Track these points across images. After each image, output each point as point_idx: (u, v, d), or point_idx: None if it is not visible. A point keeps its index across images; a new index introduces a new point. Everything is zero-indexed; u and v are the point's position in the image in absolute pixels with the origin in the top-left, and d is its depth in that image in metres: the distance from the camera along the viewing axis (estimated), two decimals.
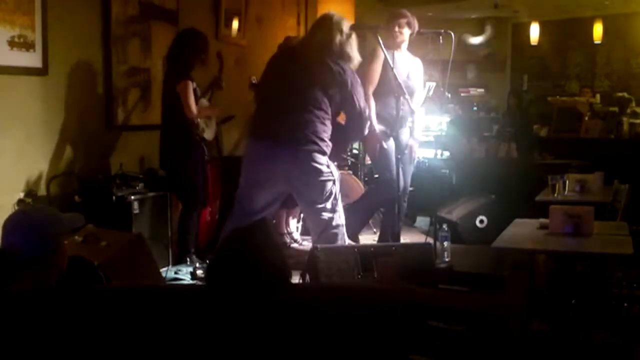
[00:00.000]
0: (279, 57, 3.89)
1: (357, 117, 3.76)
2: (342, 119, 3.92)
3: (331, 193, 3.67)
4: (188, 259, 4.75)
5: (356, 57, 3.76)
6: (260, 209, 3.77)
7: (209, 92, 5.01)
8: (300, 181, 3.70)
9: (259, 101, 3.91)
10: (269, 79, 3.85)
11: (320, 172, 3.63)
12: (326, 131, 3.65)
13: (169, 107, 4.67)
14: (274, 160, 3.64)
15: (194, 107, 4.57)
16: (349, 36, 3.74)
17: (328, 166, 3.66)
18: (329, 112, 3.67)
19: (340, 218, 3.72)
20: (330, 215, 3.67)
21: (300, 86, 3.67)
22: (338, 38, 3.70)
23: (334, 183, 3.67)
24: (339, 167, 6.01)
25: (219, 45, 5.92)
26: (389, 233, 4.84)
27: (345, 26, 3.76)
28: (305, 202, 3.88)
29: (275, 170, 3.67)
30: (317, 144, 3.61)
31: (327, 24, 3.78)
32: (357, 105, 3.73)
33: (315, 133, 3.61)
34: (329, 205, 3.67)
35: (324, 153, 3.64)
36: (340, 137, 3.82)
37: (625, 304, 3.44)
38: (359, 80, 3.77)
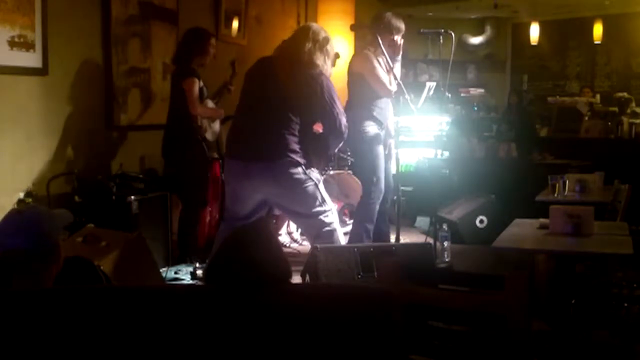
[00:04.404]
0: (253, 70, 3.85)
1: (333, 123, 3.69)
2: (319, 127, 3.90)
3: (316, 198, 3.63)
4: (188, 259, 4.75)
5: (323, 67, 3.68)
6: (246, 216, 3.77)
7: (217, 97, 5.04)
8: (282, 198, 3.69)
9: (235, 117, 3.90)
10: (243, 94, 3.83)
11: (299, 182, 3.59)
12: (297, 142, 3.60)
13: (175, 105, 4.70)
14: (250, 177, 3.62)
15: (197, 104, 4.59)
16: (322, 46, 3.68)
17: (305, 173, 3.61)
18: (299, 122, 3.61)
19: (332, 215, 3.71)
20: (320, 217, 3.65)
21: (269, 101, 3.63)
22: (308, 46, 3.64)
23: (316, 186, 3.64)
24: (339, 167, 6.05)
25: (219, 45, 5.92)
26: (379, 235, 4.84)
27: (321, 36, 3.70)
28: (294, 215, 3.88)
29: (252, 186, 3.66)
30: (288, 156, 3.56)
31: (303, 33, 3.74)
32: (332, 112, 3.66)
33: (287, 146, 3.56)
34: (316, 210, 3.64)
35: (297, 164, 3.58)
36: (321, 146, 3.79)
37: (625, 304, 3.44)
38: (332, 86, 3.70)
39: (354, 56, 4.86)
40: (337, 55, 5.24)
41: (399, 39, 4.63)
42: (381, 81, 4.54)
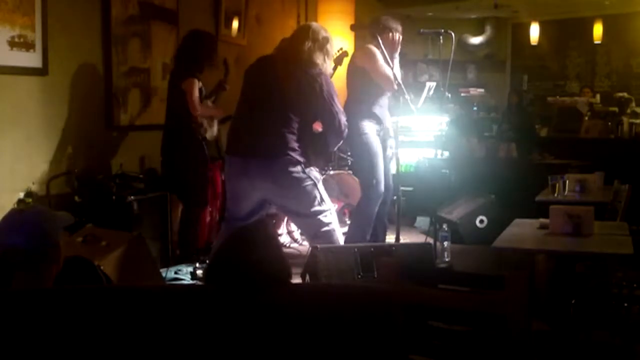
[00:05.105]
0: (252, 69, 3.84)
1: (333, 122, 3.67)
2: (318, 126, 3.90)
3: (315, 197, 3.62)
4: (188, 259, 4.75)
5: (323, 66, 3.68)
6: (247, 216, 3.77)
7: (214, 95, 5.05)
8: (281, 196, 3.68)
9: (234, 115, 3.90)
10: (242, 92, 3.82)
11: (298, 180, 3.58)
12: (297, 140, 3.59)
13: (174, 105, 4.69)
14: (249, 175, 3.62)
15: (198, 105, 4.59)
16: (322, 45, 3.68)
17: (304, 172, 3.60)
18: (298, 121, 3.61)
19: (330, 215, 3.71)
20: (319, 217, 3.64)
21: (268, 99, 3.63)
22: (307, 45, 3.64)
23: (315, 185, 3.63)
24: (339, 167, 6.05)
25: (219, 45, 5.92)
26: (376, 234, 4.82)
27: (321, 35, 3.69)
28: (292, 214, 3.88)
29: (251, 184, 3.65)
30: (288, 154, 3.56)
31: (303, 32, 3.74)
32: (331, 111, 3.65)
33: (286, 144, 3.56)
34: (315, 209, 3.63)
35: (296, 162, 3.57)
36: (320, 145, 3.78)
37: (625, 304, 3.44)
38: (332, 85, 3.69)
39: (356, 51, 4.82)
40: (345, 53, 5.23)
41: (397, 36, 4.62)
42: (385, 74, 4.48)
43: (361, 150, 4.62)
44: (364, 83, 4.59)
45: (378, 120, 4.63)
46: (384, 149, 4.72)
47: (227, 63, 5.13)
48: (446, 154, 6.72)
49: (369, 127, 4.58)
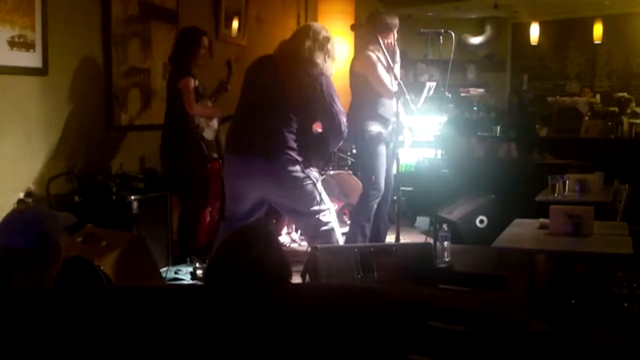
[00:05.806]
0: (253, 69, 3.84)
1: (332, 122, 3.67)
2: (318, 126, 3.90)
3: (314, 196, 3.62)
4: (188, 259, 4.75)
5: (323, 66, 3.67)
6: (246, 216, 3.77)
7: (215, 95, 5.05)
8: (280, 196, 3.68)
9: (234, 115, 3.90)
10: (242, 92, 3.82)
11: (297, 180, 3.58)
12: (296, 140, 3.59)
13: (171, 106, 4.71)
14: (248, 175, 3.62)
15: (194, 104, 4.60)
16: (322, 45, 3.68)
17: (303, 171, 3.59)
18: (299, 121, 3.60)
19: (329, 214, 3.70)
20: (318, 216, 3.64)
21: (268, 99, 3.62)
22: (308, 44, 3.64)
23: (314, 185, 3.63)
24: (340, 167, 6.05)
25: (219, 45, 5.93)
26: (377, 233, 4.83)
27: (322, 35, 3.69)
28: (291, 213, 3.87)
29: (251, 184, 3.65)
30: (287, 154, 3.55)
31: (303, 32, 3.74)
32: (331, 111, 3.64)
33: (285, 144, 3.56)
34: (314, 208, 3.63)
35: (295, 162, 3.57)
36: (320, 145, 3.78)
37: (625, 304, 3.44)
38: (333, 85, 3.68)
39: (355, 57, 4.85)
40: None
41: (393, 36, 4.62)
42: (383, 82, 4.55)
43: (364, 150, 4.70)
44: (365, 89, 4.64)
45: (383, 120, 4.68)
46: (389, 146, 4.73)
47: (230, 64, 5.13)
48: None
49: (373, 127, 4.64)
